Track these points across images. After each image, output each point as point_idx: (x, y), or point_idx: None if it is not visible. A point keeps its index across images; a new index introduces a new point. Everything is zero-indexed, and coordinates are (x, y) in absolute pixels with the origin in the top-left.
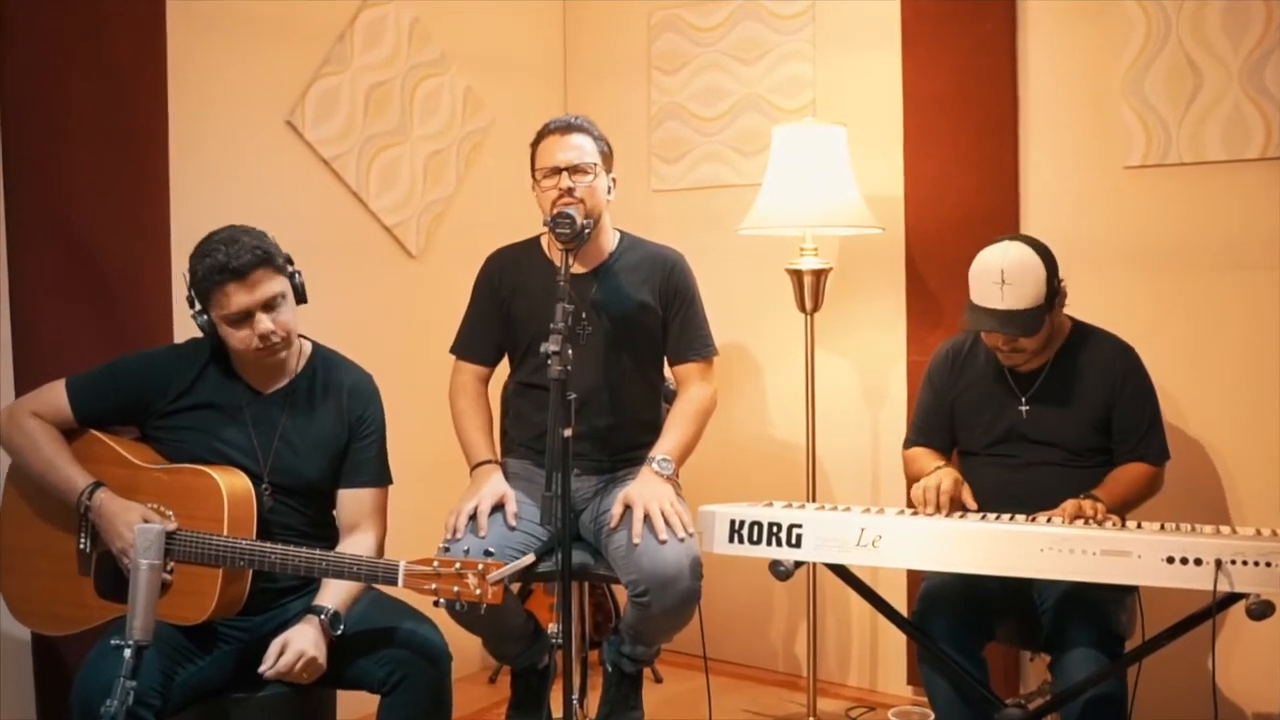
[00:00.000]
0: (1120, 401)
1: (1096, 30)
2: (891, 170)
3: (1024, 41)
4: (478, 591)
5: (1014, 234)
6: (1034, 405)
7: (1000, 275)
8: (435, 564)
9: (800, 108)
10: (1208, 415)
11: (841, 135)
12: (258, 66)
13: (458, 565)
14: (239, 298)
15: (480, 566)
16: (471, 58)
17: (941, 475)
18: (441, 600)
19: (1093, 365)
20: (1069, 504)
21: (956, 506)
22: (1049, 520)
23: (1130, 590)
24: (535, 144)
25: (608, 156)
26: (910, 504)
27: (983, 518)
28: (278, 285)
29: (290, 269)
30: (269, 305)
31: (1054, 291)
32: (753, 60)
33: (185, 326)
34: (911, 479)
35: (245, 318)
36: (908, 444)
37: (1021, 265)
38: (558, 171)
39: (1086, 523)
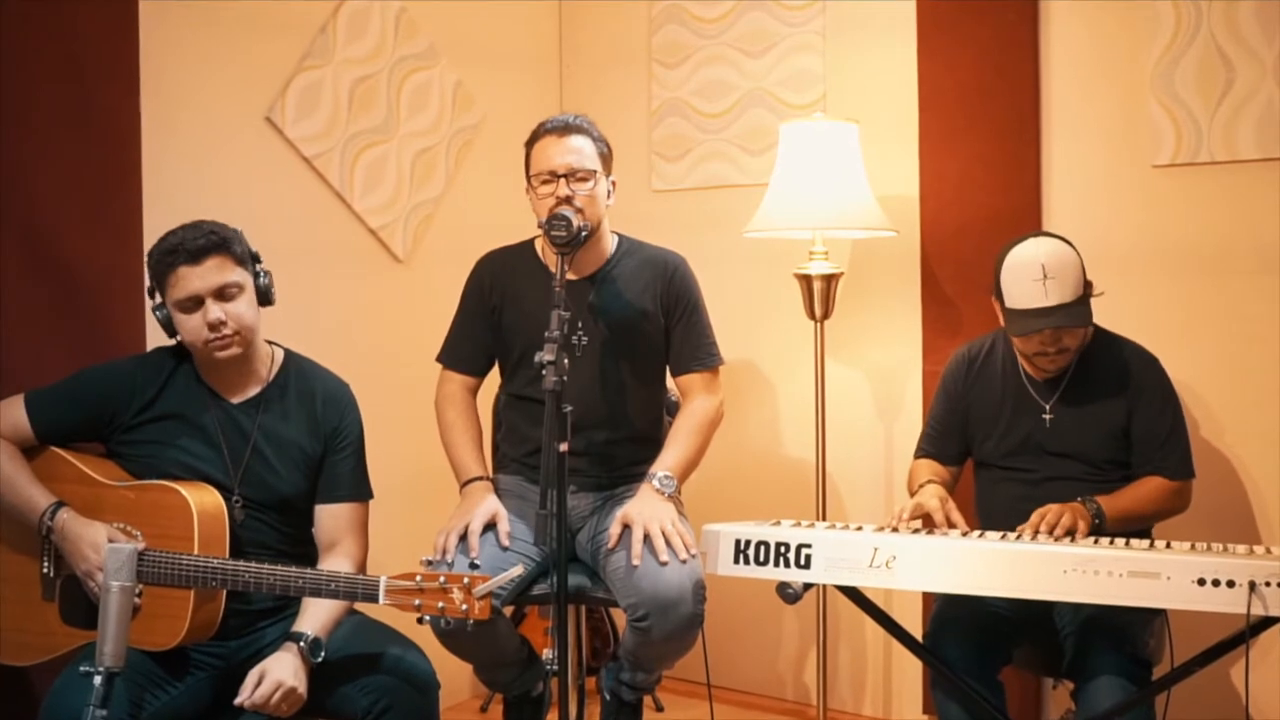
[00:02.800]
0: (1139, 411)
1: (1123, 22)
2: (906, 169)
3: (1046, 33)
4: (464, 606)
5: (1036, 231)
6: (1056, 413)
7: (1041, 271)
8: (419, 578)
9: (810, 103)
10: (1242, 427)
11: (853, 132)
12: (235, 60)
13: (442, 579)
14: (189, 281)
15: (466, 580)
16: (462, 51)
17: (923, 494)
18: (426, 617)
19: (1113, 373)
20: (1049, 510)
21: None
22: (1018, 536)
23: (1158, 613)
24: (530, 145)
25: (607, 159)
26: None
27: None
28: (234, 275)
29: (255, 266)
30: (221, 294)
31: (1088, 282)
32: (759, 53)
33: (158, 334)
34: (911, 494)
35: (195, 304)
36: (917, 453)
37: (1060, 256)
38: (555, 177)
39: (1052, 534)
